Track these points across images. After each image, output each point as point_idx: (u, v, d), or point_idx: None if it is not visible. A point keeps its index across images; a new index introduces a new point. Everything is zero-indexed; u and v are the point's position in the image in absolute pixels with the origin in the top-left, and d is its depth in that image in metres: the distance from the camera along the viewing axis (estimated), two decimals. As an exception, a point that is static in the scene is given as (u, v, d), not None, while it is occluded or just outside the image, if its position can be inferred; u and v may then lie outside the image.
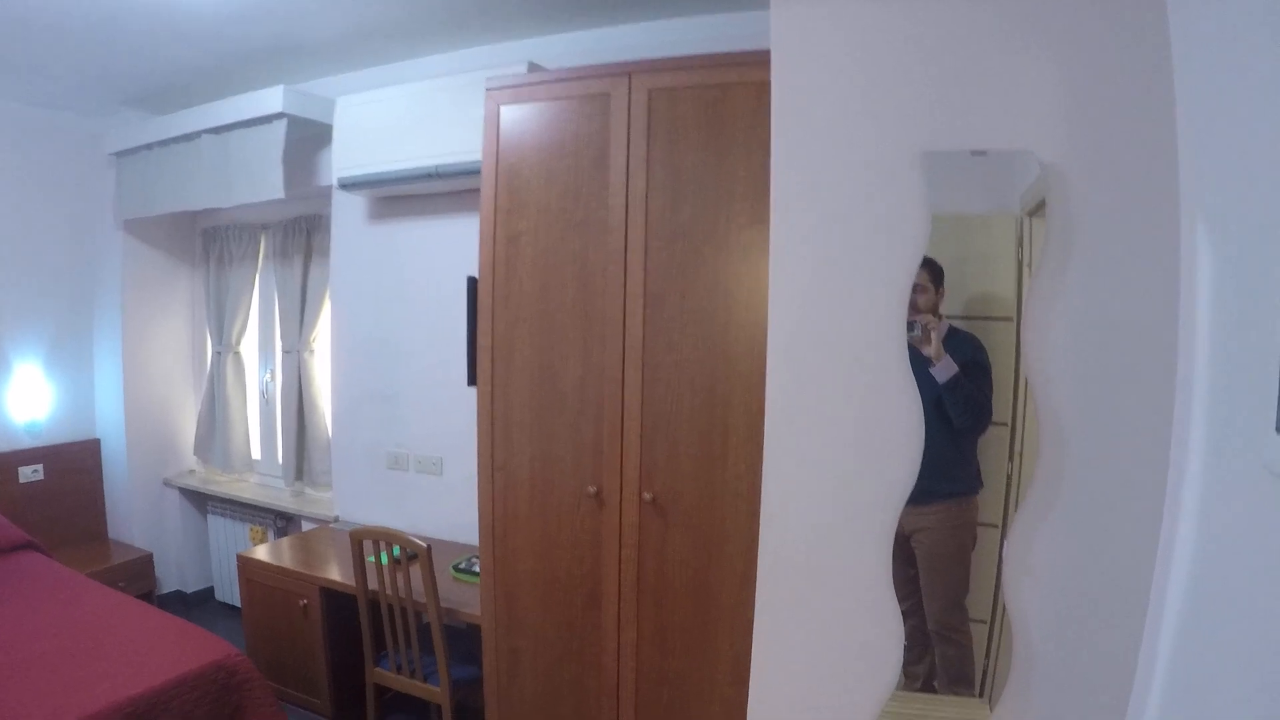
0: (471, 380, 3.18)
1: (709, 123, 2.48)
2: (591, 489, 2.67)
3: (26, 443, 4.89)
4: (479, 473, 2.91)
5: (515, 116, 2.77)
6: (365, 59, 3.99)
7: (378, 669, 3.34)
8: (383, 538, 3.18)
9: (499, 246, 2.81)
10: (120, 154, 4.80)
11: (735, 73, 2.43)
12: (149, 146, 4.59)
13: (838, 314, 1.99)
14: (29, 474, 4.85)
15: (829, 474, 2.03)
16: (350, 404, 4.27)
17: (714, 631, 2.56)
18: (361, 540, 3.25)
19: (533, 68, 3.34)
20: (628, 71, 2.59)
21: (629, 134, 2.57)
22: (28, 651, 3.07)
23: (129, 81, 4.37)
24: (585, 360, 2.69)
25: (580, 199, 2.66)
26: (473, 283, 3.17)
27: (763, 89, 2.23)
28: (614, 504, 2.65)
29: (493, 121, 2.80)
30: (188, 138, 4.33)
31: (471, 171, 3.29)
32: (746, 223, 2.43)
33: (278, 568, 3.69)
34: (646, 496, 2.58)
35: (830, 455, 2.03)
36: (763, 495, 2.12)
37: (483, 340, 2.86)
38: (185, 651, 3.03)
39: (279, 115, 3.87)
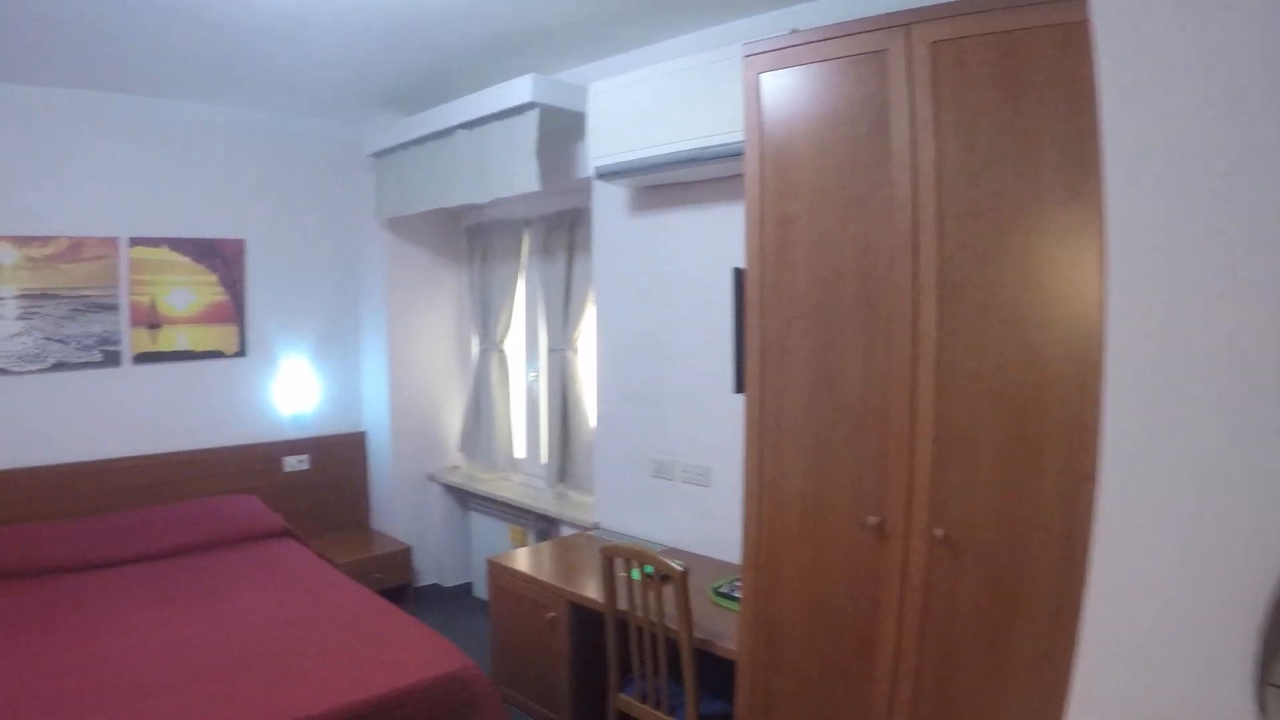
0: (739, 387, 2.88)
1: (1003, 77, 2.04)
2: (873, 520, 2.30)
3: (292, 434, 5.20)
4: (745, 490, 2.61)
5: (777, 85, 2.45)
6: (615, 44, 3.84)
7: (622, 695, 3.13)
8: (634, 556, 2.95)
9: (767, 233, 2.50)
10: (378, 155, 4.94)
11: (1033, 14, 1.98)
12: (404, 146, 4.68)
13: (1216, 314, 1.51)
14: (294, 464, 5.18)
15: (1190, 523, 1.56)
16: (614, 406, 4.12)
17: (1007, 695, 2.12)
18: (613, 557, 3.06)
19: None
20: (905, 23, 2.19)
21: (911, 96, 2.18)
22: (263, 642, 3.15)
23: (383, 85, 4.51)
24: (867, 364, 2.32)
25: (858, 174, 2.30)
26: (739, 275, 2.85)
27: (1069, 32, 1.86)
28: (898, 538, 2.26)
29: (753, 92, 2.50)
30: (442, 134, 4.34)
31: (736, 154, 3.00)
32: (1063, 197, 1.97)
33: (527, 577, 3.59)
34: (937, 533, 2.17)
35: (1195, 498, 1.56)
36: (1094, 542, 1.67)
37: (751, 341, 2.56)
38: (420, 658, 2.99)
39: (530, 105, 3.76)
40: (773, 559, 2.57)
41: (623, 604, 3.03)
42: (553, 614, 3.44)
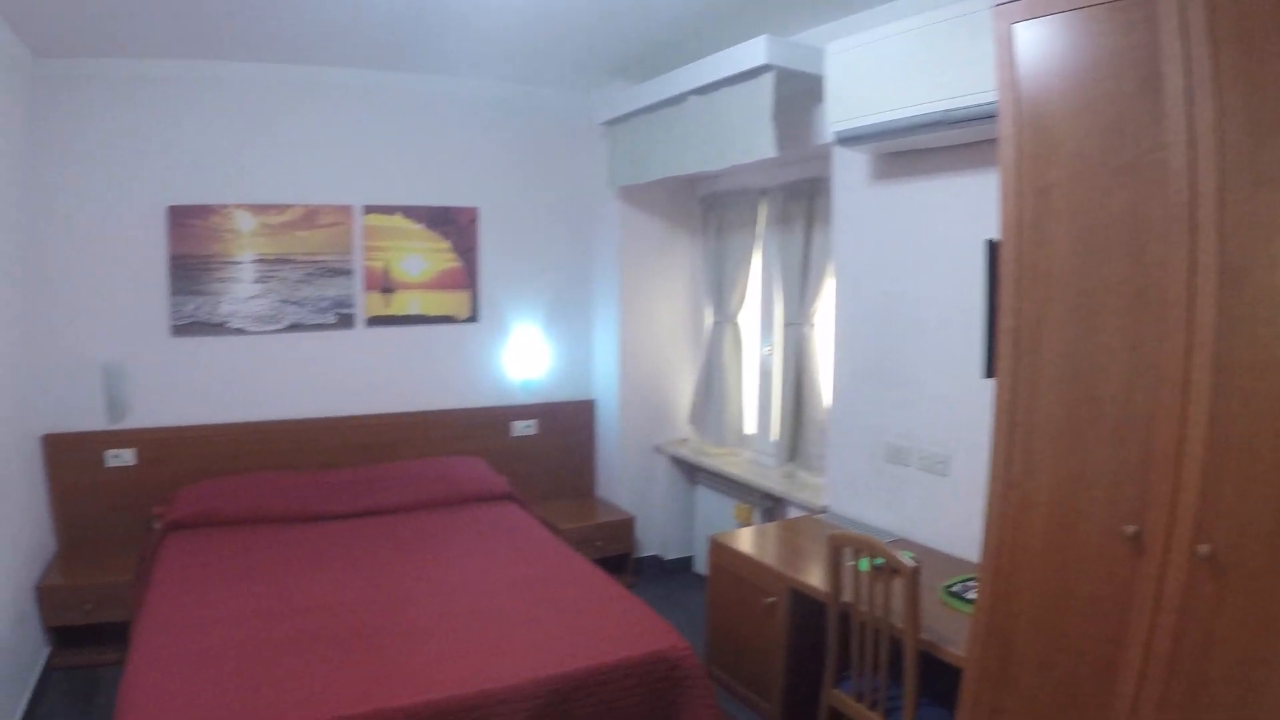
0: (989, 371, 2.65)
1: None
2: (1130, 529, 2.04)
3: (521, 399, 5.38)
4: (990, 488, 2.40)
5: (1033, 37, 2.20)
6: (850, 2, 3.65)
7: (837, 690, 2.99)
8: (864, 547, 2.81)
9: (1024, 203, 2.26)
10: (610, 123, 4.96)
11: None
12: (636, 113, 4.66)
13: None
14: (521, 428, 5.36)
15: None
16: (850, 385, 3.95)
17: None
18: (840, 546, 2.93)
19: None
20: (1175, -40, 1.88)
21: (1186, 45, 1.86)
22: (478, 603, 3.26)
23: (613, 52, 4.54)
24: (1134, 355, 2.04)
25: (1126, 136, 2.02)
26: (992, 247, 2.61)
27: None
28: (1156, 553, 1.98)
29: (1005, 45, 2.26)
30: (674, 101, 4.29)
31: (986, 116, 2.77)
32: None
33: (749, 558, 3.53)
34: (1202, 550, 1.88)
35: None
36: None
37: (1004, 322, 2.33)
38: (632, 633, 2.99)
39: (765, 68, 3.63)
40: (1012, 565, 2.35)
41: (847, 595, 2.90)
42: (772, 598, 3.36)
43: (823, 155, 4.08)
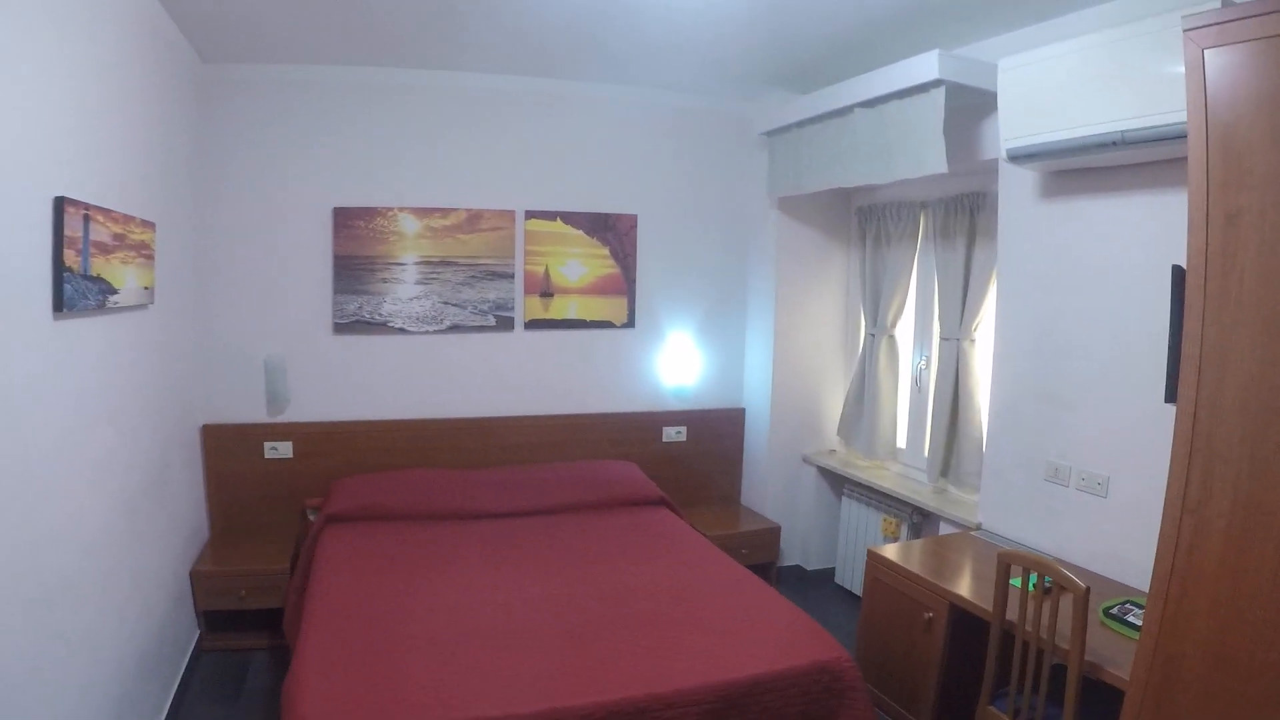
0: (1170, 395, 2.62)
1: None
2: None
3: (673, 405, 5.50)
4: (1164, 513, 2.40)
5: (1225, 62, 2.20)
6: (1023, 15, 3.66)
7: (991, 708, 3.02)
8: (1035, 567, 2.85)
9: (1212, 230, 2.25)
10: (770, 133, 5.06)
11: None
12: (799, 124, 4.75)
13: None
14: (672, 434, 5.47)
15: None
16: (1010, 402, 3.95)
17: None
18: (1010, 564, 2.96)
19: (1228, 2, 2.64)
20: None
21: None
22: (640, 607, 3.34)
23: (777, 63, 4.62)
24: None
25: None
26: (1179, 274, 2.60)
27: None
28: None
29: (1196, 70, 2.26)
30: (838, 113, 4.36)
31: (1167, 137, 2.78)
32: None
33: (909, 572, 3.55)
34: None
35: None
36: None
37: (1188, 348, 2.34)
38: (793, 644, 3.05)
39: (935, 83, 3.68)
40: (1183, 589, 2.35)
41: (1012, 613, 2.94)
42: (930, 613, 3.39)
43: (986, 169, 4.09)
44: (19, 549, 2.28)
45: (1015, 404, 3.92)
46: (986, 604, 3.10)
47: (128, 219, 3.26)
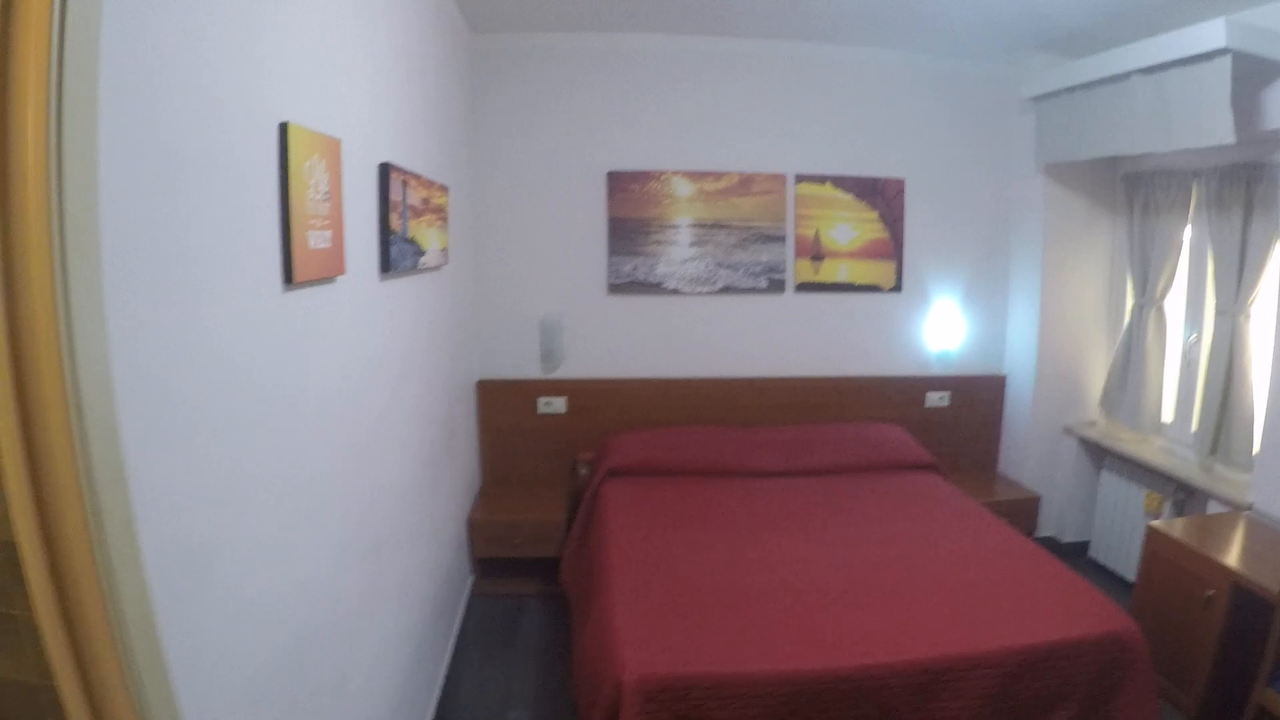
0: None
1: None
2: None
3: (936, 370, 5.56)
4: None
5: None
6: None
7: (1270, 690, 3.03)
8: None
9: None
10: (1039, 98, 5.00)
11: None
12: (1070, 90, 4.69)
13: None
14: (935, 399, 5.54)
15: None
16: None
17: None
18: None
19: None
20: None
21: None
22: (927, 572, 3.43)
23: (1046, 27, 4.62)
24: None
25: None
26: None
27: None
28: None
29: None
30: (1114, 79, 4.29)
31: None
32: None
33: (1191, 550, 3.55)
34: None
35: None
36: None
37: None
38: (1085, 613, 3.09)
39: (1221, 51, 3.60)
40: None
41: None
42: (1212, 591, 3.39)
43: (1270, 140, 3.96)
44: (361, 500, 2.58)
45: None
46: (1270, 584, 3.10)
47: (429, 184, 3.57)
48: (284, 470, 1.94)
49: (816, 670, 2.74)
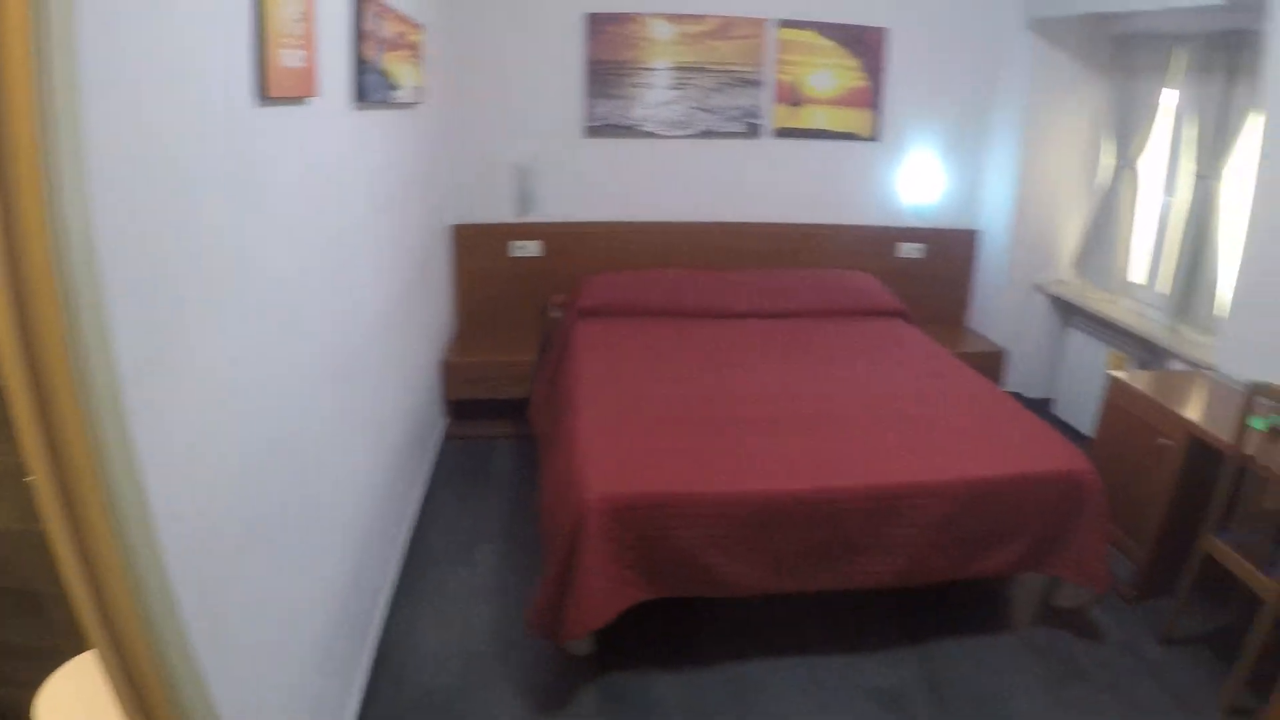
0: None
1: None
2: None
3: (910, 222, 5.58)
4: None
5: None
6: None
7: (1215, 538, 3.09)
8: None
9: None
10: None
11: None
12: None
13: None
14: (906, 250, 5.59)
15: None
16: (1266, 244, 3.81)
17: None
18: (1253, 398, 2.95)
19: None
20: None
21: None
22: (892, 407, 3.55)
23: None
24: None
25: None
26: None
27: None
28: None
29: None
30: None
31: None
32: None
33: (1149, 399, 3.61)
34: None
35: None
36: None
37: None
38: (1042, 451, 3.21)
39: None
40: None
41: (1250, 449, 2.98)
42: (1167, 441, 3.46)
43: (1255, 5, 3.84)
44: (328, 321, 2.59)
45: (1271, 247, 3.81)
46: (1226, 437, 3.15)
47: (404, 19, 3.53)
48: (263, 268, 1.98)
49: (775, 491, 2.85)
